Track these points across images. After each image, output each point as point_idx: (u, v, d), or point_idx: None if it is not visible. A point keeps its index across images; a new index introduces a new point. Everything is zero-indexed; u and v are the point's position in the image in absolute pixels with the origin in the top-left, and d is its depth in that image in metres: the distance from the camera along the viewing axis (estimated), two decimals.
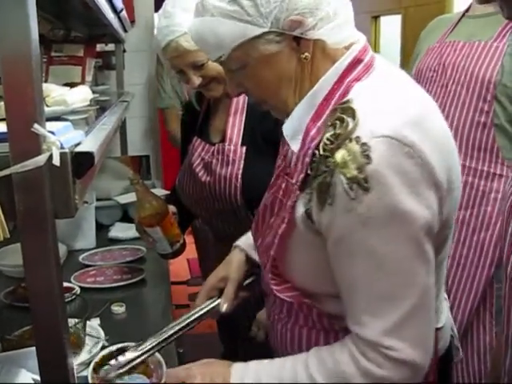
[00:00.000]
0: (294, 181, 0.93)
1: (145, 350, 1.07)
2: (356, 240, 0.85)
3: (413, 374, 0.88)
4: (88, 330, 1.39)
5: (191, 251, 1.99)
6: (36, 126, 0.59)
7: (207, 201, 1.61)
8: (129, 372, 1.05)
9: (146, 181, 2.16)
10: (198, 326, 1.19)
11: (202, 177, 1.59)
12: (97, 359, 1.28)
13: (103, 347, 1.35)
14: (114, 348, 1.08)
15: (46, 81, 1.91)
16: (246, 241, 1.26)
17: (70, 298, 1.58)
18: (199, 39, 0.94)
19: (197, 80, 1.47)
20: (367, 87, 0.90)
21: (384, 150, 0.81)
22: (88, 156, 0.67)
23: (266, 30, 0.88)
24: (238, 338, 1.80)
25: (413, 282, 0.86)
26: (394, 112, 0.86)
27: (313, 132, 0.91)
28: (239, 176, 1.51)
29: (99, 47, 2.83)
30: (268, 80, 0.93)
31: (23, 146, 0.61)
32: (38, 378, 0.92)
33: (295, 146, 0.94)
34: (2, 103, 0.60)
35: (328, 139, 0.86)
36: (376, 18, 4.21)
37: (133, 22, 3.33)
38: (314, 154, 0.89)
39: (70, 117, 1.05)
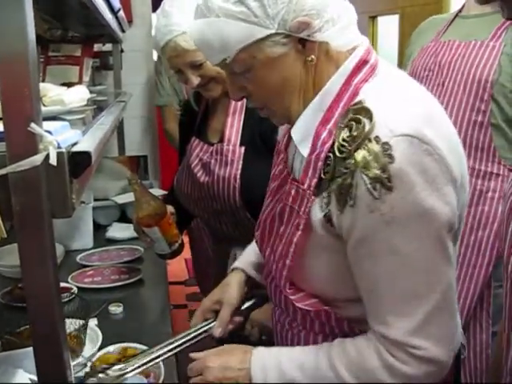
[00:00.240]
0: (305, 186, 0.92)
1: (129, 369, 1.05)
2: (379, 240, 0.85)
3: (437, 370, 0.89)
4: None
5: (189, 251, 1.99)
6: (33, 125, 0.59)
7: (205, 201, 1.60)
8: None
9: (143, 181, 2.16)
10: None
11: (200, 177, 1.59)
12: (94, 359, 1.28)
13: (101, 348, 1.35)
14: (99, 368, 1.07)
15: (43, 80, 1.90)
16: (245, 259, 1.25)
17: (67, 299, 1.58)
18: (202, 41, 0.92)
19: (195, 80, 1.47)
20: (376, 88, 0.91)
21: (405, 149, 0.81)
22: (85, 156, 0.67)
23: (272, 31, 0.87)
24: (233, 336, 1.80)
25: (437, 279, 0.86)
26: (408, 111, 0.87)
27: (324, 135, 0.90)
28: (238, 176, 1.51)
29: (97, 47, 2.83)
30: (272, 83, 0.91)
31: (20, 146, 0.61)
32: (35, 378, 0.92)
33: (305, 151, 0.93)
34: None
35: (344, 140, 0.86)
36: (373, 18, 4.21)
37: (130, 22, 3.33)
38: (326, 157, 0.89)
39: (67, 117, 1.05)
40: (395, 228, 0.83)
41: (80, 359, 1.30)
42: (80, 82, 1.96)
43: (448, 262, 0.88)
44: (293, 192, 0.96)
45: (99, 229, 2.30)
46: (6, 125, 0.61)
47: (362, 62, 0.93)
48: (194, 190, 1.63)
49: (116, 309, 1.61)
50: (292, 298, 0.97)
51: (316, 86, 0.93)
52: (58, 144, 0.63)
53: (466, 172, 0.93)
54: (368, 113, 0.85)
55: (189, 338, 1.13)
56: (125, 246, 2.13)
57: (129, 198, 2.25)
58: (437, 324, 0.87)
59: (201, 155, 1.60)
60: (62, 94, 1.06)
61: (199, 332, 1.14)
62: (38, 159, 0.60)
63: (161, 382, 1.23)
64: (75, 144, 0.70)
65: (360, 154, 0.83)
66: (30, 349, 0.68)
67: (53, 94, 1.04)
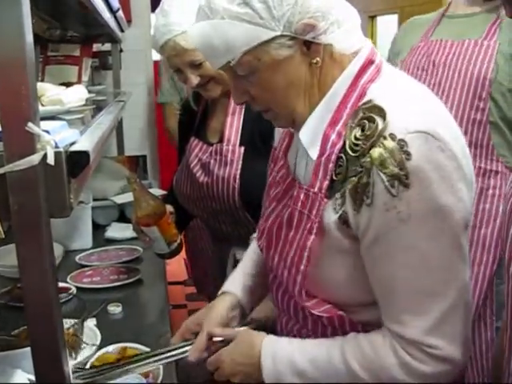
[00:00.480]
0: (315, 190, 0.91)
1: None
2: (396, 238, 0.84)
3: (453, 369, 0.89)
4: (84, 330, 1.39)
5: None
6: (30, 124, 0.59)
7: (204, 201, 1.60)
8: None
9: (142, 180, 2.16)
10: None
11: (199, 177, 1.59)
12: (93, 359, 1.28)
13: (99, 348, 1.35)
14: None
15: (42, 80, 1.91)
16: (236, 282, 1.20)
17: (66, 299, 1.58)
18: (205, 44, 0.90)
19: (195, 79, 1.46)
20: (383, 87, 0.91)
21: (420, 145, 0.81)
22: (83, 155, 0.66)
23: (278, 33, 0.86)
24: None
25: (452, 277, 0.86)
26: (419, 108, 0.87)
27: (333, 137, 0.90)
28: (237, 177, 1.50)
29: (96, 47, 2.83)
30: (277, 86, 0.91)
31: (17, 145, 0.60)
32: (33, 378, 0.91)
33: (314, 154, 0.92)
34: None
35: (357, 139, 0.85)
36: (373, 17, 4.22)
37: (129, 21, 3.33)
38: (338, 159, 0.88)
39: (65, 116, 1.05)
40: (412, 225, 0.83)
41: (79, 359, 1.30)
42: (79, 81, 1.96)
43: (464, 261, 0.88)
44: (302, 196, 0.94)
45: (98, 229, 2.30)
46: (4, 124, 0.61)
47: (368, 63, 0.93)
48: (194, 190, 1.62)
49: (115, 309, 1.61)
50: (308, 304, 0.95)
51: (321, 88, 0.93)
52: (56, 143, 0.63)
53: (472, 170, 0.92)
54: (381, 111, 0.85)
55: (167, 355, 1.09)
56: (124, 246, 2.13)
57: (128, 197, 2.25)
58: (452, 323, 0.87)
59: (200, 155, 1.60)
60: (61, 94, 1.06)
61: (178, 352, 1.10)
62: (35, 159, 0.60)
63: (159, 381, 1.22)
64: (73, 143, 0.70)
65: (376, 152, 0.82)
66: (29, 349, 0.67)
67: (51, 93, 1.04)
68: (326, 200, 0.90)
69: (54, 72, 1.98)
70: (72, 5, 1.53)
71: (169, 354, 1.09)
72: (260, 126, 1.46)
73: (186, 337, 1.14)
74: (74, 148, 0.67)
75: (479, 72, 1.67)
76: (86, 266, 1.94)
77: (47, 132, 0.62)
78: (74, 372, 1.02)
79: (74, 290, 1.69)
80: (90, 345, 1.35)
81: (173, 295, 2.26)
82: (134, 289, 1.79)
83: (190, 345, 1.09)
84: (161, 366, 1.24)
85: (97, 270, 1.90)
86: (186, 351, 1.09)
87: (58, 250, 1.96)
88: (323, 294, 0.96)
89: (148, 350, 1.26)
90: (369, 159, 0.83)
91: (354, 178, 0.85)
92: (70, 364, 1.24)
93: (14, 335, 1.28)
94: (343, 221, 0.88)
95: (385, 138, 0.82)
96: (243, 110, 1.55)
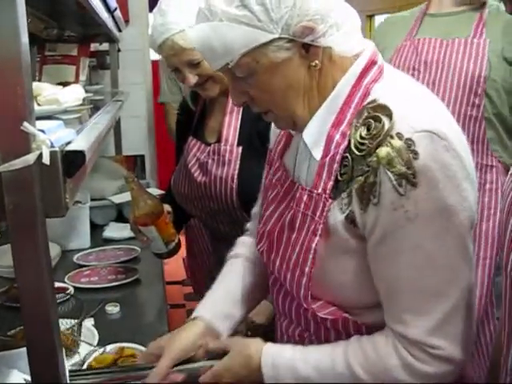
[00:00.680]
0: (319, 191, 0.91)
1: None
2: (402, 237, 0.84)
3: (454, 369, 0.89)
4: (82, 330, 1.39)
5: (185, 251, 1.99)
6: (25, 124, 0.59)
7: (202, 201, 1.60)
8: None
9: (140, 180, 2.16)
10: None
11: (197, 177, 1.58)
12: (90, 360, 1.28)
13: (97, 348, 1.34)
14: None
15: (39, 80, 1.90)
16: (213, 307, 1.13)
17: (63, 299, 1.58)
18: (205, 45, 0.90)
19: (193, 78, 1.46)
20: (387, 87, 0.91)
21: (427, 144, 0.81)
22: (79, 155, 0.66)
23: (276, 36, 0.86)
24: None
25: (457, 277, 0.86)
26: (424, 108, 0.87)
27: (337, 137, 0.90)
28: (235, 177, 1.50)
29: (93, 47, 2.83)
30: (276, 88, 0.90)
31: (12, 145, 0.60)
32: (29, 378, 0.91)
33: (317, 155, 0.92)
34: None
35: (362, 138, 0.85)
36: (370, 17, 4.21)
37: (127, 21, 3.32)
38: (342, 159, 0.88)
39: (62, 116, 1.04)
40: (418, 225, 0.83)
41: (76, 359, 1.30)
42: (77, 81, 1.96)
43: (468, 262, 0.88)
44: (305, 198, 0.94)
45: (96, 228, 2.30)
46: None
47: (370, 64, 0.93)
48: (191, 189, 1.62)
49: (113, 309, 1.60)
50: (312, 307, 0.94)
51: (320, 91, 0.92)
52: (52, 143, 0.62)
53: (474, 168, 0.92)
54: (387, 110, 0.85)
55: (133, 374, 1.05)
56: (122, 246, 2.13)
57: (126, 197, 2.24)
58: (455, 323, 0.87)
59: (198, 155, 1.60)
60: (57, 94, 1.06)
61: (136, 374, 1.04)
62: (30, 158, 0.59)
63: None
64: (69, 143, 0.70)
65: (383, 151, 0.82)
66: (25, 349, 0.67)
67: (48, 93, 1.04)
68: (330, 201, 0.89)
69: (52, 72, 1.98)
70: (69, 4, 1.52)
71: (125, 375, 1.04)
72: (258, 125, 1.46)
73: (148, 360, 1.07)
74: (69, 147, 0.67)
75: (474, 69, 1.72)
76: (84, 265, 1.94)
77: (42, 131, 0.62)
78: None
79: (71, 290, 1.69)
80: (87, 344, 1.34)
81: (171, 295, 2.26)
82: (132, 289, 1.79)
83: (151, 367, 1.03)
84: None
85: (95, 270, 1.90)
86: (145, 375, 1.02)
87: (56, 250, 1.96)
88: (328, 296, 0.95)
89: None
90: (375, 158, 0.83)
91: (360, 178, 0.85)
92: (68, 364, 1.25)
93: (10, 335, 1.28)
94: (350, 220, 0.87)
95: (392, 137, 0.82)
96: (241, 109, 1.54)
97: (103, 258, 2.02)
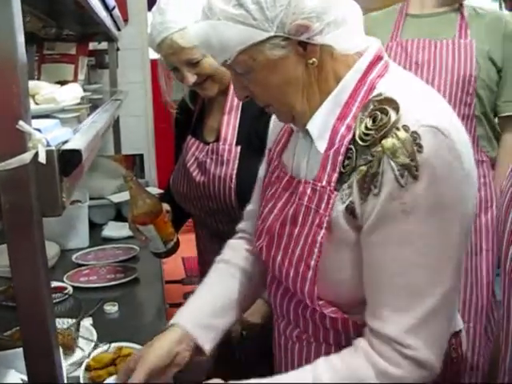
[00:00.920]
0: (324, 183, 0.91)
1: None
2: (394, 229, 0.84)
3: (427, 374, 0.87)
4: (80, 329, 1.39)
5: (186, 250, 1.98)
6: (21, 123, 0.59)
7: (201, 200, 1.60)
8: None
9: (139, 179, 2.15)
10: None
11: (196, 176, 1.58)
12: (89, 359, 1.28)
13: (95, 347, 1.34)
14: None
15: (38, 79, 1.90)
16: (191, 315, 1.10)
17: (62, 298, 1.57)
18: (205, 43, 0.92)
19: (191, 77, 1.46)
20: (392, 82, 0.91)
21: (431, 139, 0.81)
22: (75, 153, 0.66)
23: (271, 34, 0.86)
24: None
25: (441, 280, 0.85)
26: (430, 103, 0.88)
27: (342, 130, 0.90)
28: (233, 176, 1.50)
29: (92, 46, 2.82)
30: (274, 84, 0.91)
31: (8, 144, 0.60)
32: (26, 378, 0.91)
33: (322, 147, 0.92)
34: None
35: (368, 129, 0.86)
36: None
37: (126, 20, 3.32)
38: (347, 151, 0.88)
39: (60, 115, 1.04)
40: (411, 219, 0.82)
41: (75, 359, 1.29)
42: (75, 80, 1.96)
43: (456, 267, 0.86)
44: (308, 191, 0.93)
45: (95, 228, 2.30)
46: None
47: (376, 59, 0.93)
48: (190, 189, 1.62)
49: (111, 308, 1.60)
50: (319, 303, 0.93)
51: (321, 87, 0.92)
52: (48, 142, 0.62)
53: (474, 166, 0.92)
54: (393, 103, 0.85)
55: None
56: (120, 245, 2.13)
57: (124, 196, 2.24)
58: (433, 326, 0.86)
59: (196, 154, 1.60)
60: (55, 92, 1.05)
61: None
62: (26, 157, 0.59)
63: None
64: (66, 142, 0.69)
65: (389, 142, 0.83)
66: (22, 349, 0.67)
67: (45, 92, 1.04)
68: (335, 193, 0.89)
69: (50, 70, 1.97)
70: (68, 3, 1.52)
71: None
72: (257, 125, 1.46)
73: (129, 374, 1.02)
74: (66, 146, 0.66)
75: (465, 69, 1.78)
76: (83, 265, 1.94)
77: (39, 130, 0.62)
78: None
79: (70, 289, 1.69)
80: (87, 341, 1.34)
81: (170, 294, 2.25)
82: (131, 288, 1.79)
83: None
84: None
85: (93, 269, 1.90)
86: None
87: (55, 250, 1.96)
88: (328, 294, 0.94)
89: None
90: (380, 148, 0.83)
91: (363, 167, 0.85)
92: (66, 364, 1.24)
93: (7, 335, 1.28)
94: (350, 211, 0.87)
95: (398, 128, 0.83)
96: (240, 108, 1.54)
97: (102, 258, 2.01)
